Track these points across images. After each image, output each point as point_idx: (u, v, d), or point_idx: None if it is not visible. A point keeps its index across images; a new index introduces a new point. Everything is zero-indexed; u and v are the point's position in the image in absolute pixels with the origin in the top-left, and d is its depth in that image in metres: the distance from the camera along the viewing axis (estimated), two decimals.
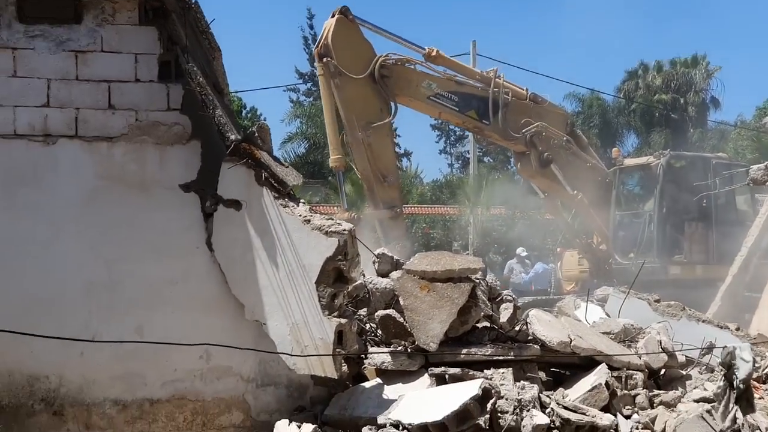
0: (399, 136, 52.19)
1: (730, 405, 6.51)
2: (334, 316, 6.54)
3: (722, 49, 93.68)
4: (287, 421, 6.23)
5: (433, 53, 14.62)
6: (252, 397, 6.67)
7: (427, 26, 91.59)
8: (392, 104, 14.14)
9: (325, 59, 13.23)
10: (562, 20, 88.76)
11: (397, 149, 51.09)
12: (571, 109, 44.47)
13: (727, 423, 6.35)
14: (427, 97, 14.54)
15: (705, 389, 7.06)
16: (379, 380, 6.89)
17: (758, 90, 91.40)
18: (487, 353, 6.84)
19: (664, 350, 7.44)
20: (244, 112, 42.49)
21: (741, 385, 6.54)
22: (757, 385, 7.43)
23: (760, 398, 7.13)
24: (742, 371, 6.53)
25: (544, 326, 7.18)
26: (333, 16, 13.33)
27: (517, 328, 7.13)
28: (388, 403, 6.39)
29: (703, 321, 9.10)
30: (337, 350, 6.52)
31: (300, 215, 6.58)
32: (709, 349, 7.52)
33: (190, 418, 6.60)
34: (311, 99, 45.38)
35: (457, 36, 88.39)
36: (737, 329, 9.24)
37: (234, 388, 6.63)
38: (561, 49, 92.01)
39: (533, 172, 16.23)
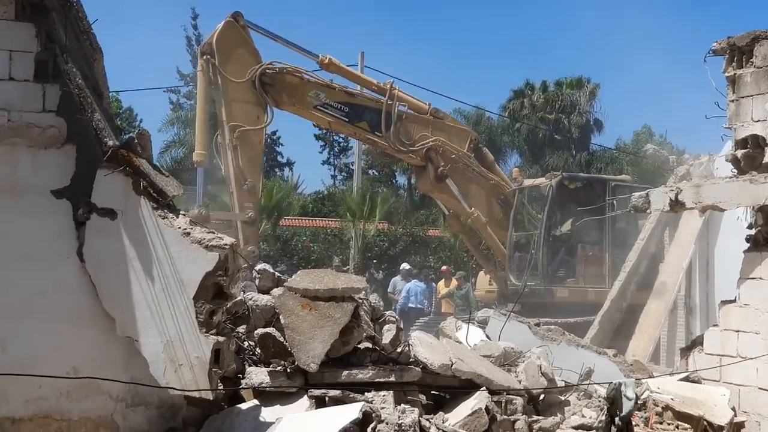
0: (282, 145, 51.83)
1: None
2: (212, 334, 6.30)
3: (600, 73, 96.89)
4: None
5: (326, 60, 14.64)
6: (121, 417, 6.31)
7: (315, 37, 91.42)
8: (271, 112, 14.28)
9: (206, 56, 13.55)
10: (455, 35, 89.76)
11: (279, 158, 50.88)
12: None
13: None
14: (315, 107, 14.49)
15: (583, 415, 7.15)
16: (256, 402, 6.68)
17: (636, 114, 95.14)
18: (368, 375, 6.73)
19: (543, 375, 7.50)
20: (120, 112, 41.28)
21: (620, 422, 6.60)
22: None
23: (635, 425, 7.24)
24: (624, 408, 6.60)
25: (426, 348, 7.12)
26: None
27: (399, 350, 7.05)
28: (265, 426, 6.19)
29: (582, 346, 9.21)
30: (214, 369, 6.28)
31: (179, 227, 6.33)
32: (588, 375, 7.60)
33: None
34: (192, 102, 44.26)
35: (347, 47, 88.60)
36: (615, 355, 9.39)
37: (102, 408, 6.26)
38: (452, 64, 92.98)
39: (429, 187, 16.24)
